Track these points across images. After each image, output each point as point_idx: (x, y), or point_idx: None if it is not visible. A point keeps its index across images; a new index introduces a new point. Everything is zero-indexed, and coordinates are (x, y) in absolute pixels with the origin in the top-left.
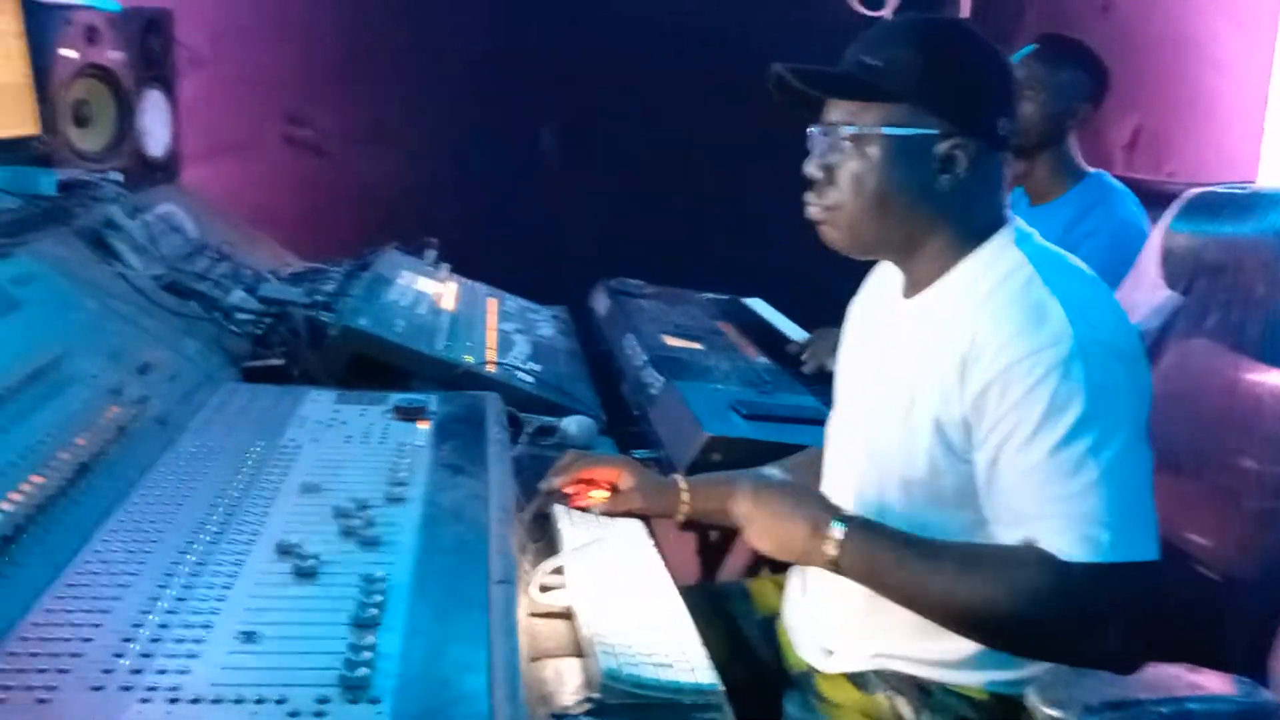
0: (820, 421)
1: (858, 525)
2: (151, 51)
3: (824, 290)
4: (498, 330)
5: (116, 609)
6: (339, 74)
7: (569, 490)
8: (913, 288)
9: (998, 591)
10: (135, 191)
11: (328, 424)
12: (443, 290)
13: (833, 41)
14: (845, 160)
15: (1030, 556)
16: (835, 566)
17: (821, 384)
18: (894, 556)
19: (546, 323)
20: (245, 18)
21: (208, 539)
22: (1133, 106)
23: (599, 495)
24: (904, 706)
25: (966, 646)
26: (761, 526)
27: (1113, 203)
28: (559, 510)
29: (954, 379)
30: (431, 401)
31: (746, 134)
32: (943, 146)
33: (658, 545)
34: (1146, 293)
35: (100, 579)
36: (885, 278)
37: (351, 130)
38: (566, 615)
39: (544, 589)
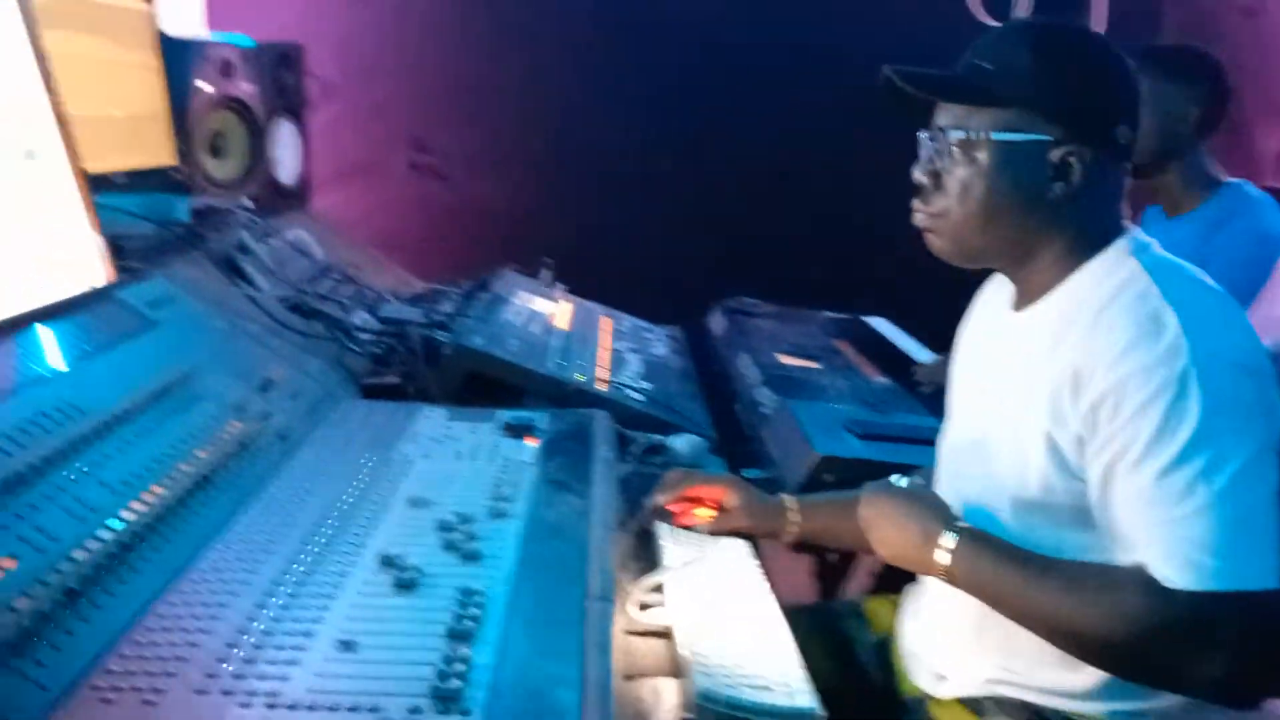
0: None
1: (970, 535)
2: (283, 84)
3: (952, 308)
4: (611, 349)
5: (224, 615)
6: (459, 101)
7: (674, 509)
8: (1023, 300)
9: (1100, 613)
10: (266, 217)
11: (439, 440)
12: (557, 310)
13: (952, 50)
14: (953, 166)
15: (1135, 579)
16: (948, 576)
17: (940, 404)
18: (1004, 569)
19: (661, 342)
20: (372, 51)
21: (316, 550)
22: None
23: (704, 514)
24: None
25: (1087, 675)
26: (880, 533)
27: (1252, 213)
28: (663, 528)
29: (1067, 394)
30: (541, 419)
31: (867, 147)
32: (1056, 154)
33: (765, 565)
34: None
35: (211, 586)
36: (996, 291)
37: (471, 155)
38: (665, 634)
39: (643, 607)
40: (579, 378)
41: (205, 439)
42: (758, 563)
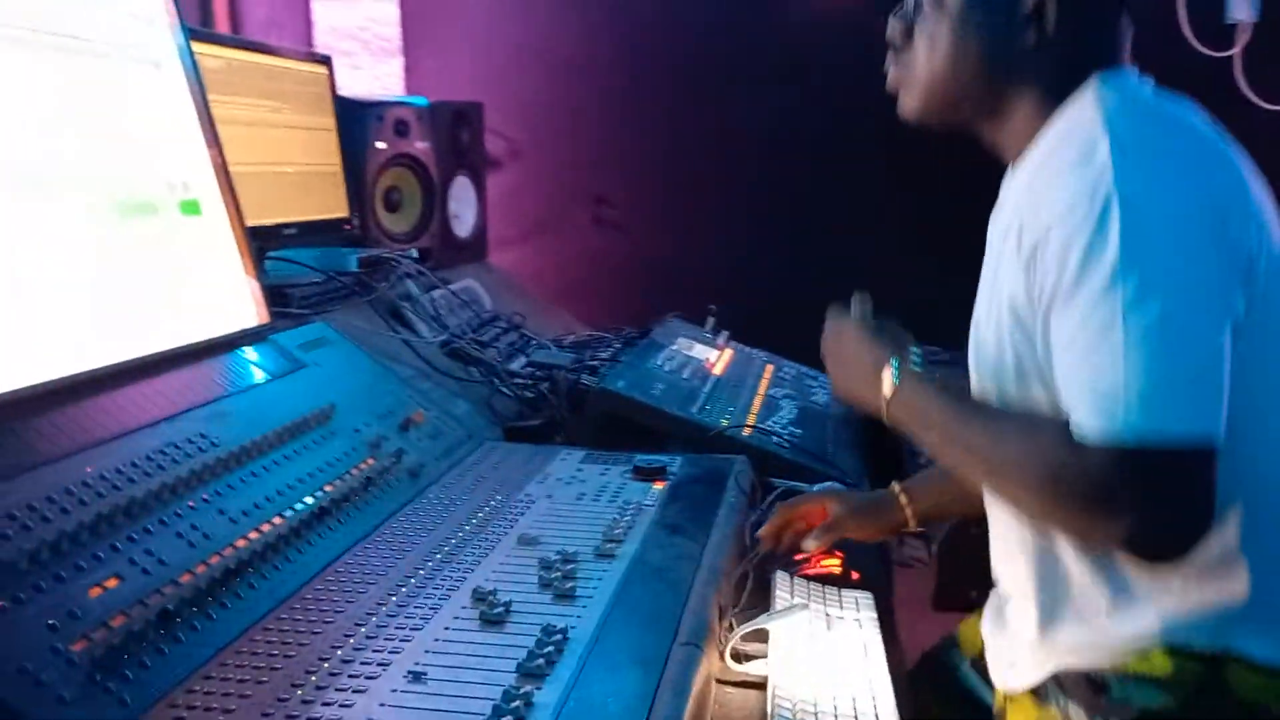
0: None
1: (914, 375)
2: (460, 141)
3: None
4: (764, 395)
5: (312, 642)
6: (636, 156)
7: (792, 551)
8: (1011, 163)
9: (1018, 460)
10: (442, 269)
11: (567, 481)
12: (716, 356)
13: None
14: (923, 19)
15: (1055, 428)
16: (887, 412)
17: None
18: (937, 411)
19: (824, 390)
20: (554, 112)
21: (416, 582)
22: None
23: (831, 563)
24: (1076, 713)
25: (1137, 616)
26: (835, 364)
27: None
28: (780, 576)
29: (1012, 248)
30: (675, 463)
31: None
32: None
33: (893, 622)
34: None
35: (308, 614)
36: None
37: (649, 208)
38: (760, 685)
39: (745, 658)
40: (723, 422)
41: (333, 474)
42: (875, 616)
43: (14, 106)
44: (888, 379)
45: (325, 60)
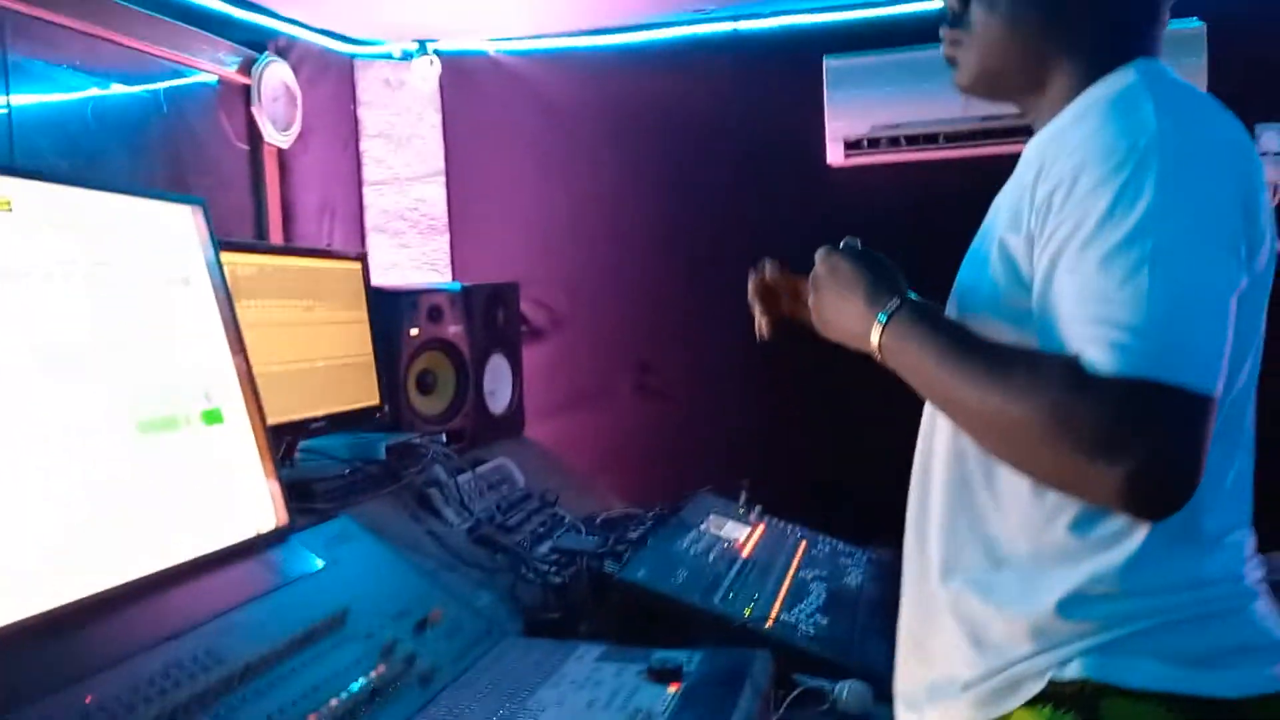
0: None
1: (912, 302)
2: (495, 321)
3: None
4: (793, 577)
5: None
6: (677, 325)
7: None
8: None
9: (1024, 390)
10: (478, 447)
11: (580, 684)
12: (746, 534)
13: None
14: None
15: (1061, 362)
16: (879, 351)
17: None
18: (934, 338)
19: (859, 568)
20: (593, 278)
21: None
22: None
23: None
24: None
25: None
26: (825, 298)
27: None
28: None
29: (1028, 193)
30: (693, 660)
31: None
32: None
33: None
34: None
35: None
36: None
37: (685, 375)
38: None
39: None
40: (747, 612)
41: (339, 686)
42: None
43: (42, 339)
44: (884, 307)
45: (360, 257)
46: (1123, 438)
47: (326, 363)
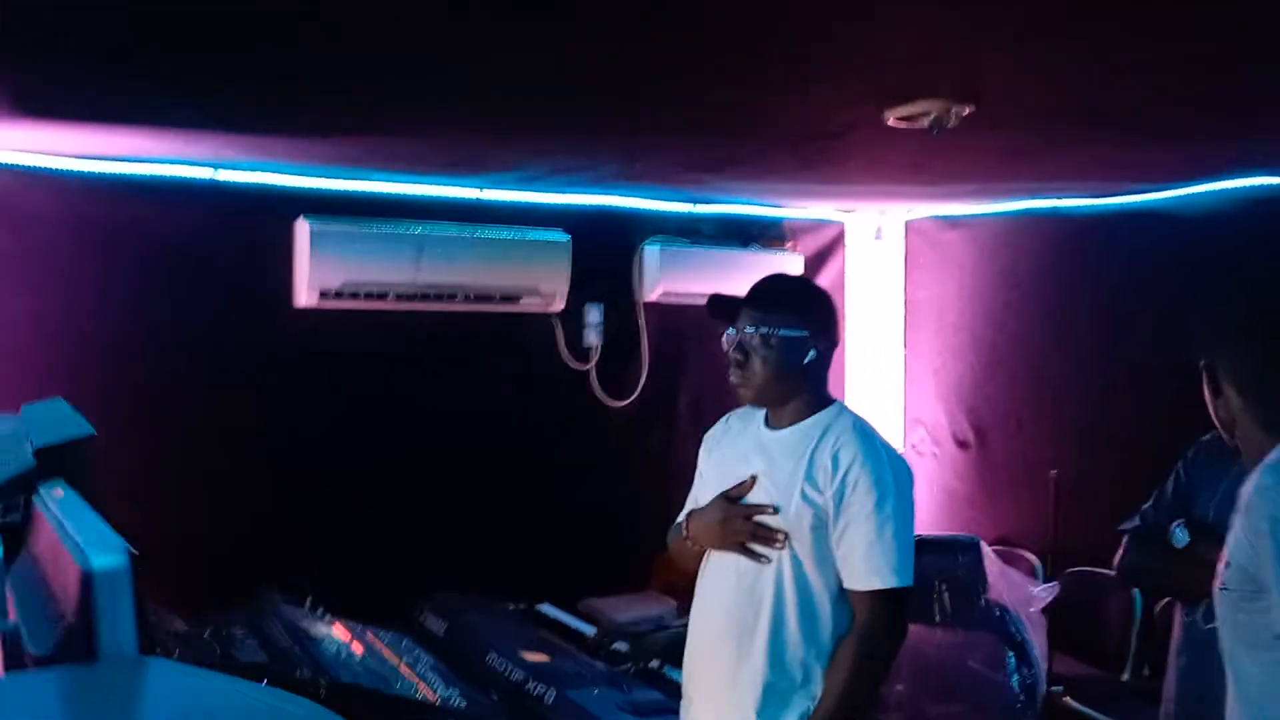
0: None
1: None
2: None
3: None
4: None
5: None
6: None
7: None
8: (779, 424)
9: (867, 663)
10: None
11: None
12: None
13: None
14: (758, 348)
15: (856, 630)
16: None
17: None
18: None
19: None
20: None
21: None
22: None
23: None
24: None
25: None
26: None
27: None
28: None
29: (822, 474)
30: None
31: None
32: (809, 343)
33: None
34: None
35: None
36: (741, 418)
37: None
38: None
39: None
40: None
41: None
42: None
43: None
44: None
45: None
46: (900, 625)
47: None
